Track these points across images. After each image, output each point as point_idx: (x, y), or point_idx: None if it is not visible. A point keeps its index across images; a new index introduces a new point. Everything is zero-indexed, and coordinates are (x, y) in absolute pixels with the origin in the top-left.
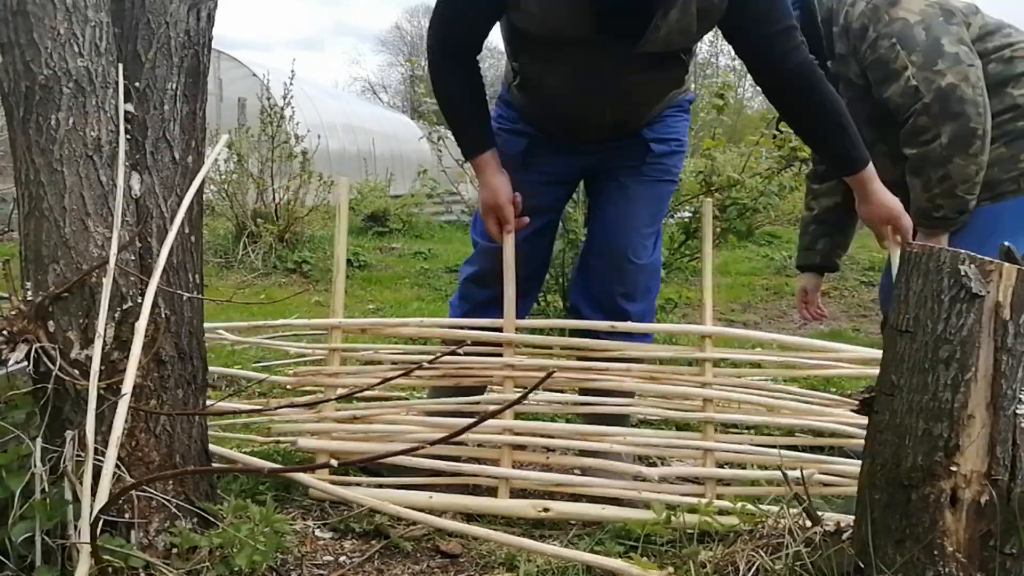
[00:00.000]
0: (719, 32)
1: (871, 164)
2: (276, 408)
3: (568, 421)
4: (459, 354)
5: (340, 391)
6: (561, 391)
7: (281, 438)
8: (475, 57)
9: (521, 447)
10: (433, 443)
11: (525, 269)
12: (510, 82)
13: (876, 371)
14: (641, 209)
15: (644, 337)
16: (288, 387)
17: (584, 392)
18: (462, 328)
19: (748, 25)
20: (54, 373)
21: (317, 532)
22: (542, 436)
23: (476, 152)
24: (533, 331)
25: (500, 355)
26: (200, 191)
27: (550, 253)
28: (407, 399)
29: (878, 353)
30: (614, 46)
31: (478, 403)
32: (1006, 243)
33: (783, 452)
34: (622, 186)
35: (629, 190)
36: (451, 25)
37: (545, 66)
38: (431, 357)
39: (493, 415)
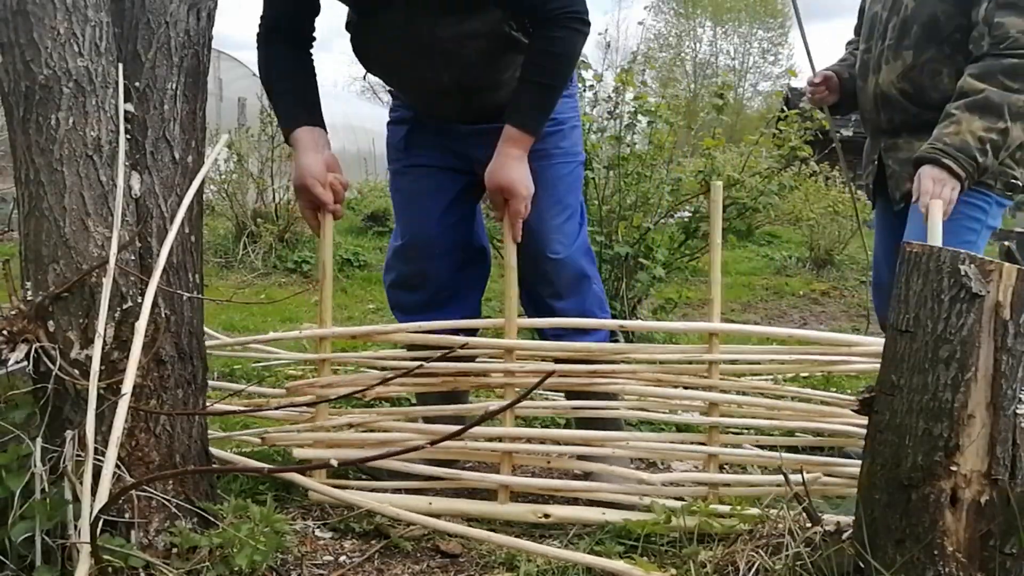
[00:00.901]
0: (719, 32)
1: (530, 138)
2: (276, 408)
3: (568, 424)
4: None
5: (340, 390)
6: (562, 392)
7: (274, 447)
8: (302, 41)
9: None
10: (433, 443)
11: (451, 260)
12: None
13: None
14: (541, 199)
15: (595, 334)
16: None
17: (571, 396)
18: (456, 331)
19: None
20: (54, 373)
21: (317, 532)
22: (541, 442)
23: (289, 128)
24: (533, 332)
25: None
26: (200, 191)
27: (482, 241)
28: (402, 405)
29: None
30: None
31: (479, 408)
32: (1006, 243)
33: (784, 454)
34: None
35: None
36: (271, 6)
37: (368, 35)
38: (418, 364)
39: (492, 415)
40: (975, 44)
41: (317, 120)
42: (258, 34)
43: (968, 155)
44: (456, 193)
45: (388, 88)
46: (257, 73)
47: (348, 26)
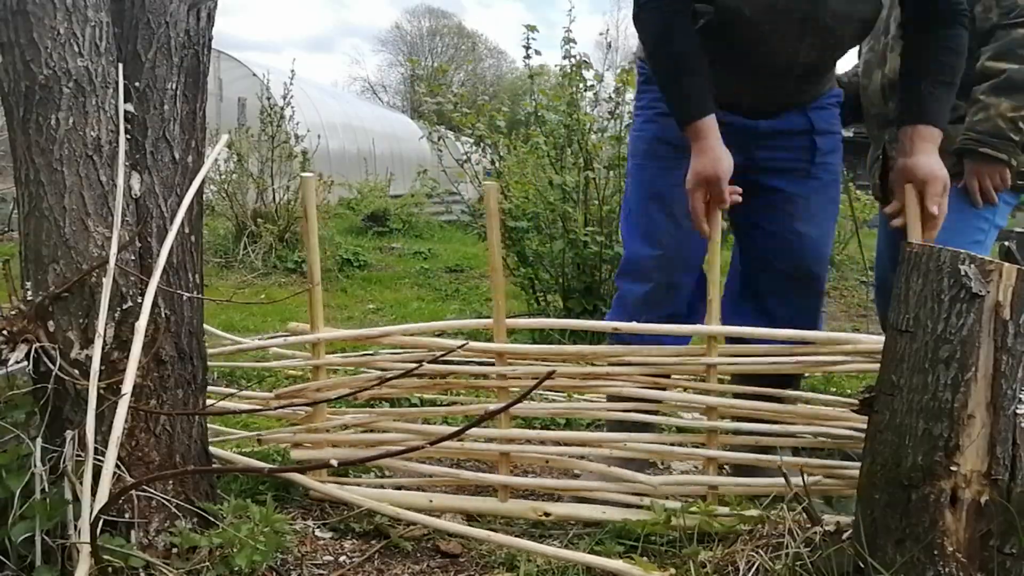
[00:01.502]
0: None
1: (940, 132)
2: (275, 409)
3: (567, 425)
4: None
5: (334, 393)
6: (563, 392)
7: (273, 447)
8: (688, 8)
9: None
10: (432, 443)
11: (691, 279)
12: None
13: None
14: (825, 223)
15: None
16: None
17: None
18: (447, 334)
19: None
20: (54, 373)
21: (317, 532)
22: (542, 443)
23: (701, 114)
24: (532, 332)
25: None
26: (200, 191)
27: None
28: (401, 405)
29: None
30: None
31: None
32: (1006, 243)
33: (784, 456)
34: (789, 199)
35: (809, 202)
36: None
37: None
38: (414, 366)
39: (491, 415)
40: (981, 18)
41: (715, 108)
42: (645, 4)
43: (1003, 138)
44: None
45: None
46: (257, 73)
47: None
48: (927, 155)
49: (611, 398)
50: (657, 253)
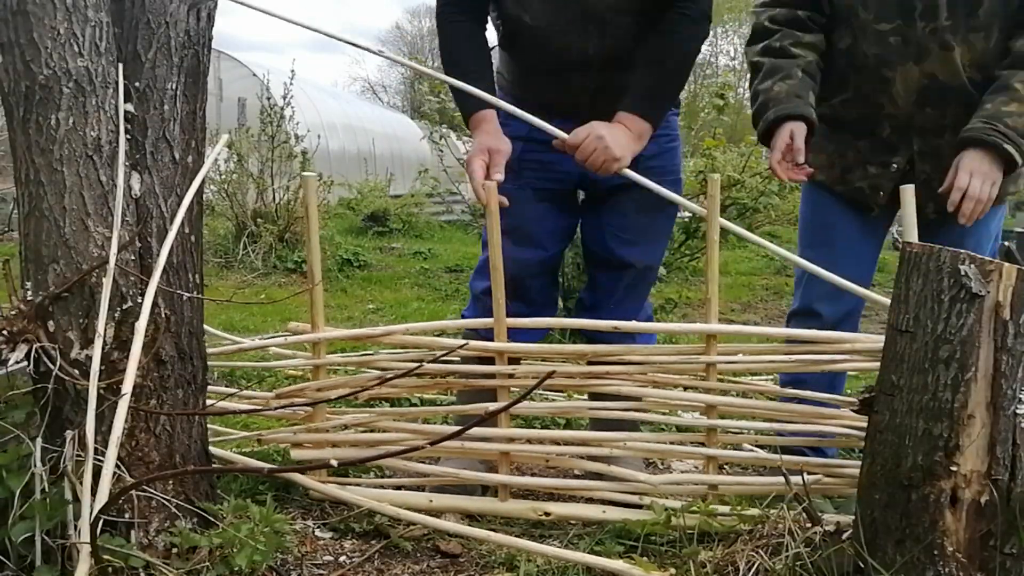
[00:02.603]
0: (719, 32)
1: (649, 129)
2: (275, 409)
3: (567, 424)
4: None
5: (334, 392)
6: (567, 394)
7: (273, 446)
8: (482, 20)
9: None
10: (433, 443)
11: (540, 297)
12: (496, 44)
13: None
14: (654, 220)
15: (648, 337)
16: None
17: (593, 396)
18: (447, 333)
19: None
20: (54, 373)
21: (317, 532)
22: (540, 443)
23: (475, 108)
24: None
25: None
26: (200, 191)
27: (556, 272)
28: (401, 405)
29: None
30: None
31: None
32: (1006, 243)
33: (784, 455)
34: (616, 205)
35: (626, 208)
36: None
37: (523, 4)
38: (415, 365)
39: (491, 415)
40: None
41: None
42: (439, 12)
43: (1022, 133)
44: (556, 222)
45: (506, 94)
46: (257, 73)
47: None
48: (604, 125)
49: (592, 396)
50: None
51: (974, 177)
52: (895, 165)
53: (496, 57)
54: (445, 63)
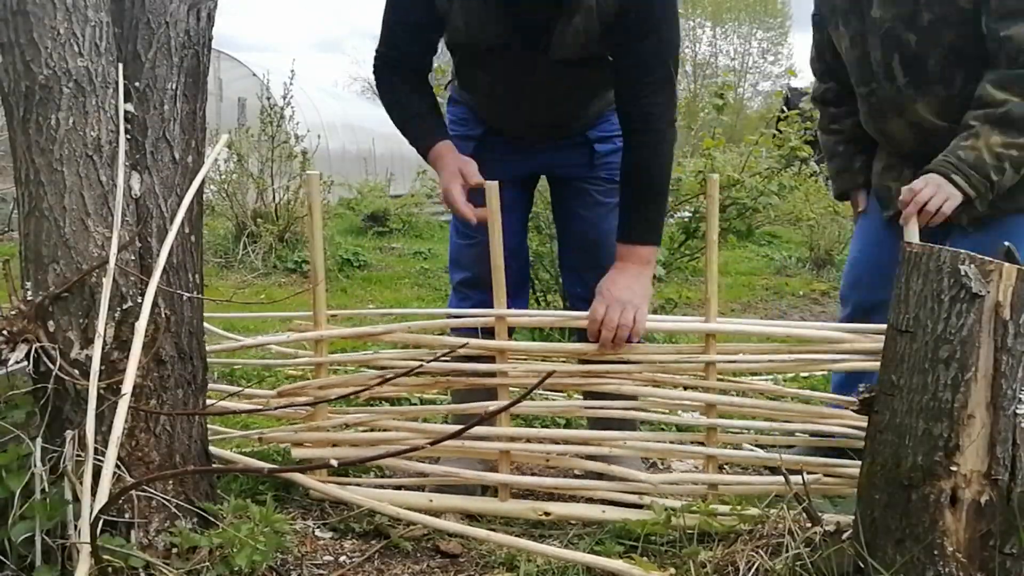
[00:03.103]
0: (718, 32)
1: (654, 250)
2: (276, 408)
3: (567, 424)
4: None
5: (336, 391)
6: (567, 393)
7: (273, 446)
8: (420, 72)
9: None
10: (433, 443)
11: (515, 264)
12: (452, 80)
13: None
14: (609, 214)
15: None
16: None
17: (590, 396)
18: (449, 332)
19: (620, 46)
20: (54, 373)
21: (317, 532)
22: (540, 441)
23: (431, 142)
24: (532, 331)
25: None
26: (200, 191)
27: (527, 256)
28: (401, 405)
29: None
30: (531, 53)
31: (478, 408)
32: (1006, 243)
33: (784, 455)
34: (579, 192)
35: (588, 196)
36: (388, 44)
37: (476, 71)
38: (416, 364)
39: (491, 415)
40: (992, 59)
41: (448, 135)
42: (374, 67)
43: (982, 173)
44: (523, 208)
45: (455, 99)
46: (257, 73)
47: (452, 51)
48: (619, 282)
49: (588, 396)
50: (469, 243)
51: (927, 186)
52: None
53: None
54: (388, 110)
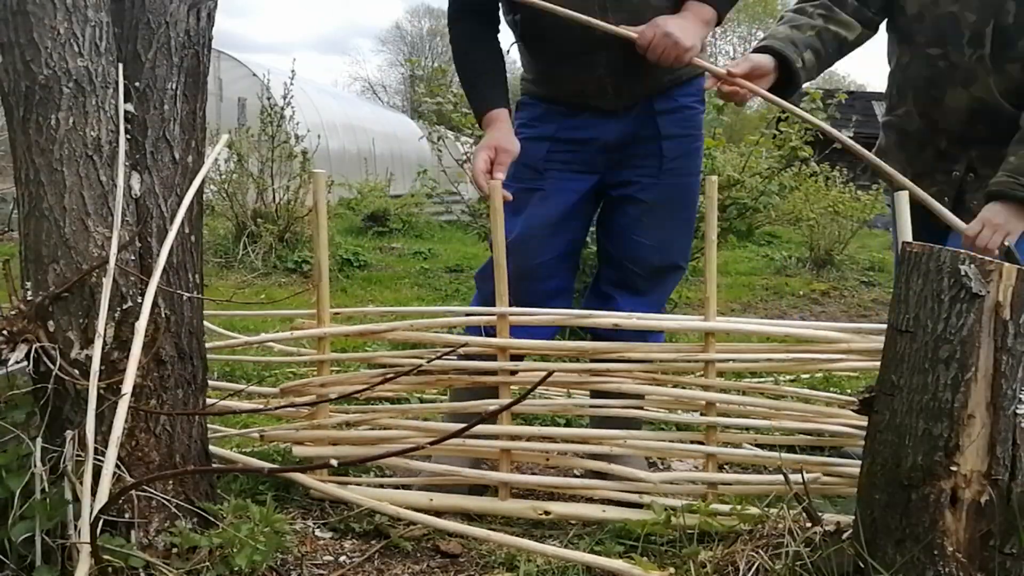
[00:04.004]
0: (718, 32)
1: (715, 14)
2: (276, 408)
3: (568, 423)
4: (455, 357)
5: (337, 389)
6: (567, 392)
7: (273, 446)
8: (492, 21)
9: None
10: (433, 442)
11: (566, 270)
12: (515, 40)
13: None
14: (680, 215)
15: (657, 336)
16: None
17: (594, 395)
18: (451, 330)
19: None
20: (54, 373)
21: (317, 532)
22: (541, 440)
23: (487, 107)
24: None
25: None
26: (200, 191)
27: (572, 274)
28: (401, 403)
29: None
30: None
31: (480, 407)
32: (1006, 243)
33: (783, 454)
34: (637, 207)
35: (654, 209)
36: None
37: (541, 20)
38: (420, 362)
39: (491, 415)
40: None
41: (508, 104)
42: (449, 15)
43: None
44: (578, 224)
45: (524, 94)
46: (257, 73)
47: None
48: (674, 18)
49: (592, 394)
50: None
51: (985, 228)
52: (956, 172)
53: (519, 57)
54: (458, 66)
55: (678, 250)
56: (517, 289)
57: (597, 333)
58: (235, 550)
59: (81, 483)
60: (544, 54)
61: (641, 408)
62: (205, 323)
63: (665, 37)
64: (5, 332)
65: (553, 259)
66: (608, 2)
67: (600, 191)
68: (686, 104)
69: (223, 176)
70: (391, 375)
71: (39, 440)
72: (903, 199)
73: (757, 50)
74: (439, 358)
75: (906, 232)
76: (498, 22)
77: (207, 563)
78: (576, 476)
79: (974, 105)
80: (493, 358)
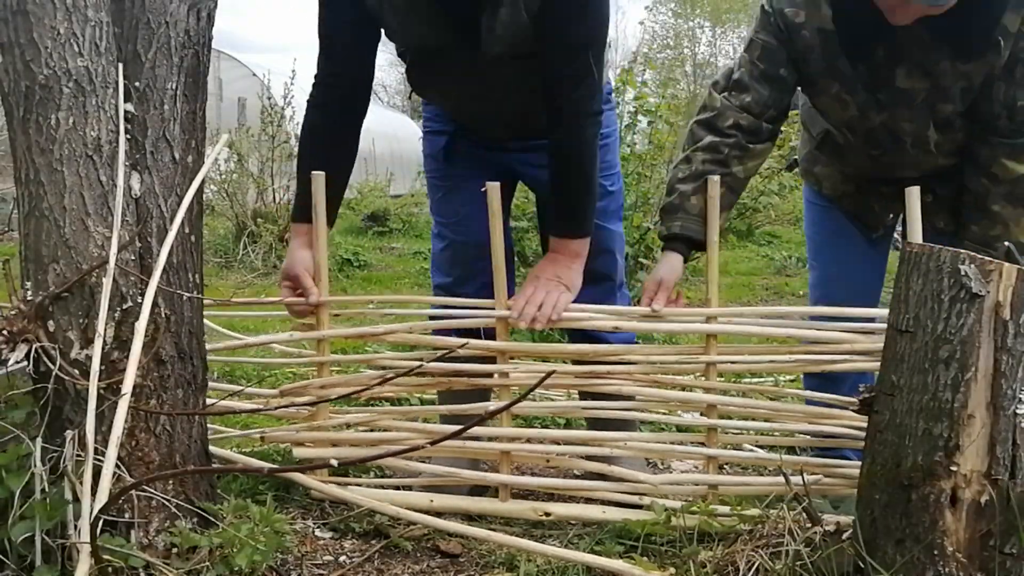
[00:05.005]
0: (718, 32)
1: (585, 242)
2: (276, 408)
3: (567, 424)
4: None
5: (338, 390)
6: (567, 393)
7: (273, 446)
8: (355, 105)
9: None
10: (433, 443)
11: (482, 264)
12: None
13: None
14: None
15: (628, 335)
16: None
17: (585, 396)
18: (451, 331)
19: (543, 37)
20: (54, 373)
21: (317, 532)
22: (540, 441)
23: (295, 218)
24: (532, 331)
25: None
26: (200, 191)
27: (511, 248)
28: (400, 404)
29: None
30: (470, 52)
31: (477, 408)
32: (1006, 243)
33: (784, 455)
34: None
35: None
36: (328, 55)
37: (427, 75)
38: (418, 364)
39: (491, 415)
40: (996, 126)
41: (309, 218)
42: (310, 96)
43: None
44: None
45: (425, 103)
46: (257, 73)
47: (402, 57)
48: (546, 267)
49: (585, 396)
50: (445, 246)
51: None
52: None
53: None
54: (300, 156)
55: (605, 234)
56: (471, 269)
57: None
58: (235, 550)
59: (81, 483)
60: (441, 105)
61: (640, 410)
62: (205, 323)
63: (547, 295)
64: (5, 332)
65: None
66: (490, 94)
67: (513, 186)
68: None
69: (223, 176)
70: (390, 376)
71: (39, 440)
72: (914, 194)
73: (668, 238)
74: (438, 359)
75: (916, 232)
76: (366, 96)
77: (207, 563)
78: (576, 477)
79: (921, 173)
80: (491, 360)
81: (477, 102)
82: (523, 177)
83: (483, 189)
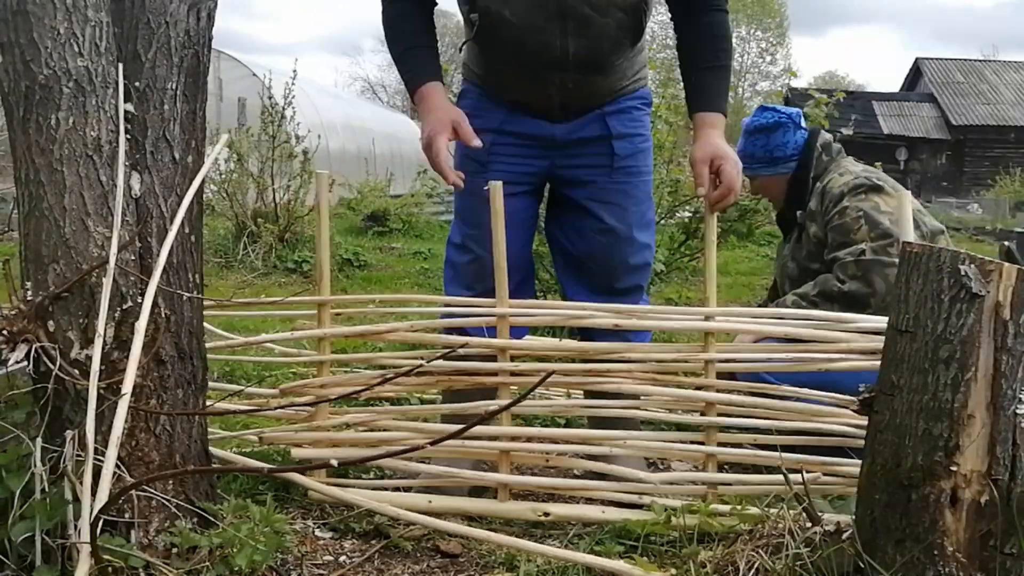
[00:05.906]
0: None
1: (723, 117)
2: (276, 408)
3: (567, 423)
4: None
5: (337, 390)
6: (566, 392)
7: (273, 446)
8: (427, 5)
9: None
10: (433, 443)
11: (517, 275)
12: (468, 39)
13: None
14: (633, 214)
15: (644, 335)
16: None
17: (589, 395)
18: (453, 330)
19: None
20: (54, 373)
21: (317, 532)
22: (540, 440)
23: (423, 79)
24: (533, 330)
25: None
26: (200, 191)
27: (532, 264)
28: (401, 403)
29: None
30: None
31: (478, 408)
32: (1006, 243)
33: (784, 454)
34: (591, 204)
35: (609, 206)
36: None
37: (493, 7)
38: (419, 363)
39: (491, 415)
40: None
41: (441, 76)
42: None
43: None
44: (531, 217)
45: (466, 85)
46: (257, 73)
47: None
48: (714, 139)
49: (588, 395)
50: (472, 259)
51: None
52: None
53: (466, 50)
54: (390, 37)
55: (638, 248)
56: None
57: (588, 334)
58: (235, 550)
59: (81, 483)
60: (496, 59)
61: (640, 408)
62: (205, 323)
63: (732, 167)
64: (5, 332)
65: (514, 251)
66: (569, 27)
67: (546, 186)
68: (633, 106)
69: (223, 176)
70: (390, 375)
71: (39, 440)
72: (905, 198)
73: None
74: (439, 358)
75: (908, 231)
76: (432, 4)
77: (207, 563)
78: (576, 476)
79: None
80: (491, 358)
81: (550, 27)
82: (560, 180)
83: (485, 188)
